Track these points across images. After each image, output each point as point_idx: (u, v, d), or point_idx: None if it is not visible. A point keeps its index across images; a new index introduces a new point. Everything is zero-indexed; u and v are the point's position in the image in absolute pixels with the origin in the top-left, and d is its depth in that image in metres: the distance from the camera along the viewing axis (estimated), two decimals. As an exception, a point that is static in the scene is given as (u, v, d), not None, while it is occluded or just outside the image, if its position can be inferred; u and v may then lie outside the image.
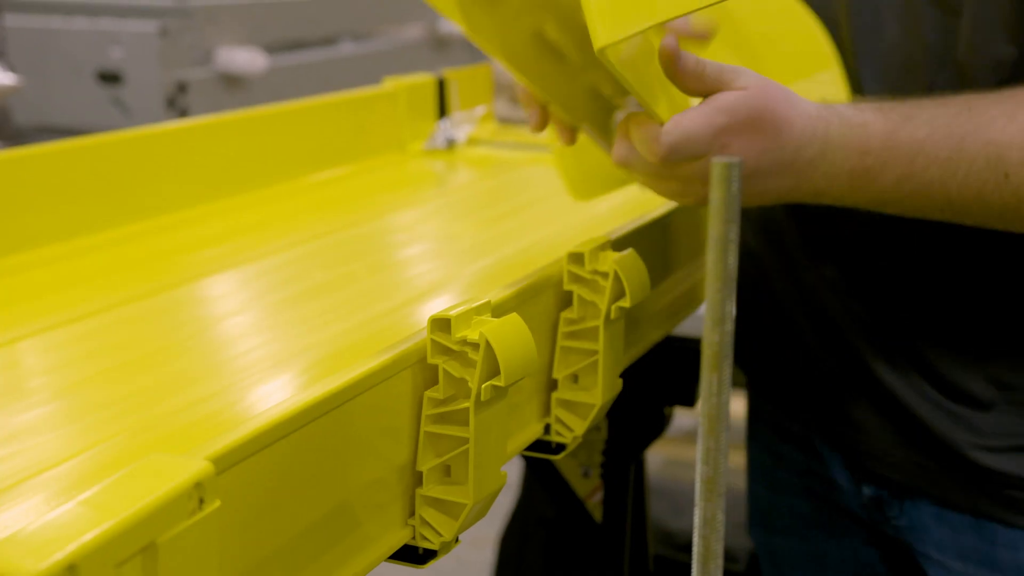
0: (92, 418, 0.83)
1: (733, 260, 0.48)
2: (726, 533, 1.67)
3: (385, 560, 0.72)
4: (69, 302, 1.06)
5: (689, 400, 1.20)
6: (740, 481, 2.61)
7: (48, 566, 0.44)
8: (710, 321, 0.49)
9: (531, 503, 1.86)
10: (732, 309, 0.48)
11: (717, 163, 0.48)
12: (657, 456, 2.83)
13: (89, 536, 0.46)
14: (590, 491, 1.23)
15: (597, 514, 1.24)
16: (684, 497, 2.22)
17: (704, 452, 0.50)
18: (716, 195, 0.48)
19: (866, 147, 0.85)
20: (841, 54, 1.02)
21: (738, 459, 2.82)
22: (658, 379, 1.16)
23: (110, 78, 2.48)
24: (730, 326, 0.48)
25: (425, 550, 0.74)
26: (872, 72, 1.00)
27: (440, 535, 0.73)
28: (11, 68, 2.12)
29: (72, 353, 0.96)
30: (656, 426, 1.22)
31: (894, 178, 0.85)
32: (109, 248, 1.22)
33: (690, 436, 2.78)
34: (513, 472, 2.02)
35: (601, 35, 0.71)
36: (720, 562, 0.51)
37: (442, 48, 3.56)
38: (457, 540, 0.74)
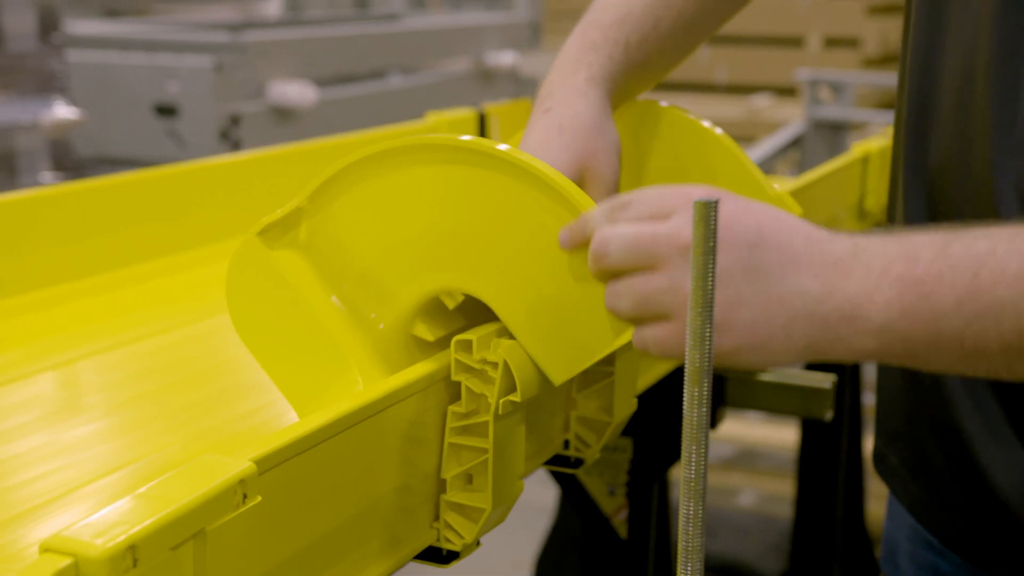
0: (146, 430, 0.90)
1: (712, 287, 0.55)
2: (759, 556, 1.71)
3: (412, 559, 0.78)
4: (124, 326, 1.14)
5: (711, 423, 1.26)
6: (779, 509, 2.66)
7: (112, 546, 0.52)
8: (692, 341, 0.55)
9: (565, 525, 1.92)
10: (711, 331, 0.55)
11: (698, 202, 0.54)
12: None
13: (148, 522, 0.53)
14: (616, 509, 1.29)
15: (623, 531, 1.30)
16: (715, 520, 2.27)
17: (686, 457, 0.56)
18: (697, 231, 0.55)
19: (914, 254, 0.71)
20: (975, 127, 0.89)
21: (780, 488, 2.86)
22: (680, 402, 1.22)
23: (167, 111, 2.58)
24: (709, 345, 0.55)
25: (448, 551, 0.80)
26: (1003, 149, 0.86)
27: (462, 537, 0.80)
28: (73, 102, 2.22)
29: (127, 372, 1.03)
30: (679, 447, 1.28)
31: (955, 297, 0.69)
32: (164, 275, 1.30)
33: (724, 463, 2.83)
34: (549, 497, 2.08)
35: (556, 379, 0.80)
36: (702, 555, 0.57)
37: (488, 81, 3.65)
38: (478, 543, 0.81)
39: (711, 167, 1.02)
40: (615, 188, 0.94)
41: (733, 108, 4.55)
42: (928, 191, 0.95)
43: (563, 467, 0.94)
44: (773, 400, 1.29)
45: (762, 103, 4.63)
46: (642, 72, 1.01)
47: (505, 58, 3.68)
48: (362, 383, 0.79)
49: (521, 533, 2.62)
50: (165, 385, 1.00)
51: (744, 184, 1.00)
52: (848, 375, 1.83)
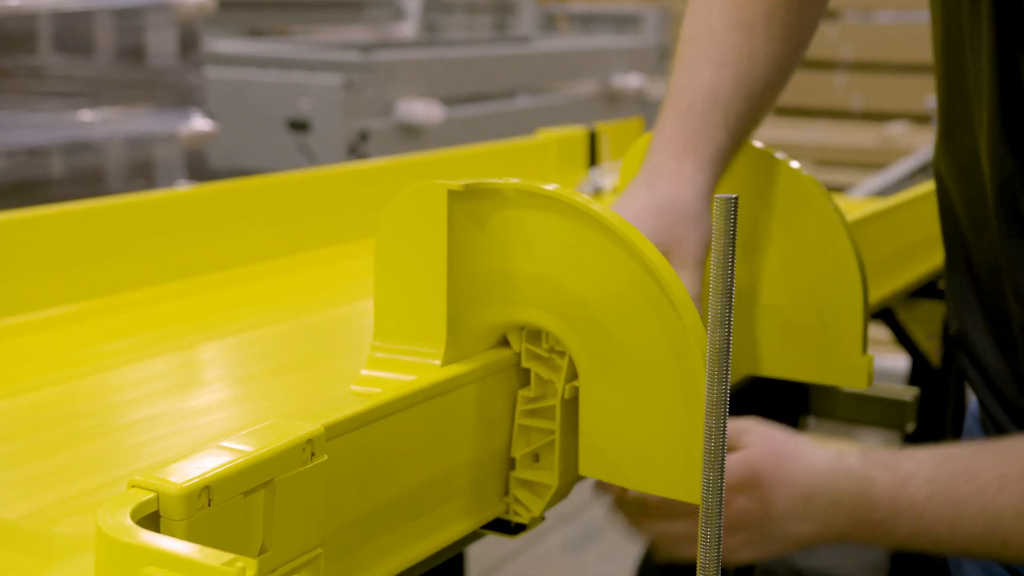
0: (259, 403, 0.98)
1: (731, 275, 0.60)
2: (857, 573, 1.73)
3: (480, 528, 0.85)
4: (247, 315, 1.23)
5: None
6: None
7: (190, 486, 0.59)
8: (712, 323, 0.61)
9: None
10: (730, 314, 0.60)
11: (719, 198, 0.60)
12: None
13: (222, 468, 0.61)
14: (698, 510, 1.33)
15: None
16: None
17: (707, 430, 0.61)
18: (718, 225, 0.60)
19: (874, 503, 0.95)
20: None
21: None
22: (762, 410, 1.26)
23: (298, 126, 2.70)
24: (729, 328, 0.60)
25: (516, 523, 0.87)
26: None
27: (530, 511, 0.86)
28: (209, 116, 2.34)
29: (246, 354, 1.12)
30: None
31: (907, 533, 0.95)
32: (286, 273, 1.38)
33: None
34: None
35: None
36: (720, 520, 0.62)
37: (614, 103, 3.71)
38: (543, 517, 0.87)
39: (787, 201, 1.06)
40: (697, 272, 0.97)
41: (868, 135, 4.53)
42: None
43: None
44: (855, 411, 1.33)
45: (897, 131, 4.60)
46: (741, 141, 1.05)
47: (632, 81, 3.74)
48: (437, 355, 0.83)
49: (626, 548, 2.67)
50: (280, 365, 1.07)
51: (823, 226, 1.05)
52: (952, 394, 1.84)
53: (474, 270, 0.84)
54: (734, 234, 0.60)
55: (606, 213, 0.80)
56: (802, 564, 2.10)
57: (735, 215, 0.60)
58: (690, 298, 0.79)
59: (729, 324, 0.61)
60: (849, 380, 1.04)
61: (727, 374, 0.61)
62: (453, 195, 0.81)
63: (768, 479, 0.98)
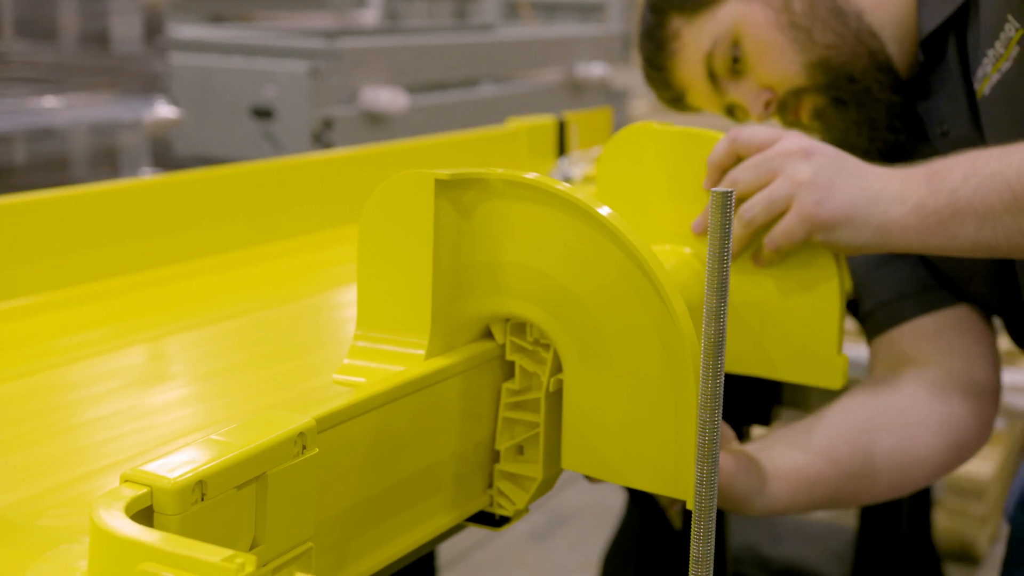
0: (227, 399, 0.97)
1: (727, 268, 0.60)
2: (822, 561, 1.75)
3: (464, 520, 0.85)
4: (212, 307, 1.21)
5: (765, 420, 1.31)
6: (850, 520, 2.68)
7: (183, 480, 0.58)
8: (707, 317, 0.61)
9: (631, 524, 1.97)
10: (725, 308, 0.60)
11: (715, 191, 0.60)
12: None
13: (215, 462, 0.60)
14: (671, 500, 1.34)
15: (677, 522, 1.34)
16: (784, 527, 2.31)
17: (700, 424, 0.62)
18: (714, 218, 0.60)
19: (932, 163, 1.06)
20: None
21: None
22: (736, 400, 1.27)
23: (263, 114, 2.68)
24: (724, 321, 0.60)
25: (501, 516, 0.87)
26: None
27: (514, 503, 0.86)
28: (174, 103, 2.32)
29: (212, 348, 1.10)
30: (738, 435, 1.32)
31: (961, 174, 1.03)
32: (252, 264, 1.37)
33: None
34: (618, 500, 2.13)
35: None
36: (713, 515, 0.62)
37: (578, 92, 3.71)
38: (527, 509, 0.87)
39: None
40: None
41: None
42: None
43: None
44: (824, 402, 1.33)
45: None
46: None
47: (595, 70, 3.74)
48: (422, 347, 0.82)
49: (592, 536, 2.67)
50: (248, 360, 1.06)
51: None
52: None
53: (459, 260, 0.84)
54: (729, 228, 0.60)
55: (595, 204, 0.80)
56: (769, 553, 2.12)
57: (731, 208, 0.60)
58: (678, 290, 0.79)
59: (724, 317, 0.61)
60: (825, 380, 1.04)
61: (722, 368, 0.61)
62: (440, 184, 0.81)
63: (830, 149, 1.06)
